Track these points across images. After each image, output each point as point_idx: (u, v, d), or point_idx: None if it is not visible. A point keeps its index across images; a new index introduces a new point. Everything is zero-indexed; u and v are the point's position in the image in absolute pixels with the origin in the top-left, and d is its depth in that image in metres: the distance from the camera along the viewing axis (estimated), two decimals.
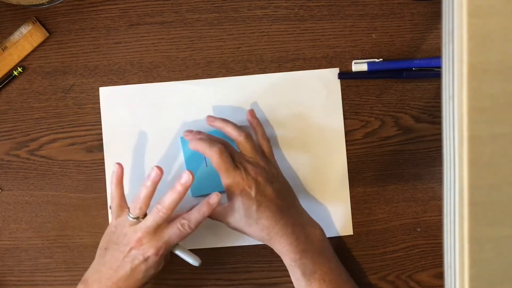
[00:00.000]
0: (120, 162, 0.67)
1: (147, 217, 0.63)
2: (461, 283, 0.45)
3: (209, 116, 0.70)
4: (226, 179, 0.64)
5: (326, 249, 0.64)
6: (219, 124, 0.68)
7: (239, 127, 0.67)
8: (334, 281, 0.63)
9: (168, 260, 0.68)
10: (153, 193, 0.64)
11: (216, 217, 0.65)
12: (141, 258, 0.62)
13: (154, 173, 0.63)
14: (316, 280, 0.63)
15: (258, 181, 0.63)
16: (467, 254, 0.45)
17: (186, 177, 0.62)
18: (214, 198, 0.63)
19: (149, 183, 0.63)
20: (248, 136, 0.66)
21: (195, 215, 0.63)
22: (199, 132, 0.68)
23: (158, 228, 0.63)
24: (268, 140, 0.69)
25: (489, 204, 0.45)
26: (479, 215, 0.45)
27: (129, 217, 0.64)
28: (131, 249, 0.62)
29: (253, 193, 0.63)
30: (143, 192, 0.64)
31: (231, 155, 0.65)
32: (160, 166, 0.63)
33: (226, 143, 0.66)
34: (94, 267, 0.65)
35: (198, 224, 0.63)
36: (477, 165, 0.44)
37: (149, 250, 0.62)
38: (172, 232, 0.63)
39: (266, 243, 0.65)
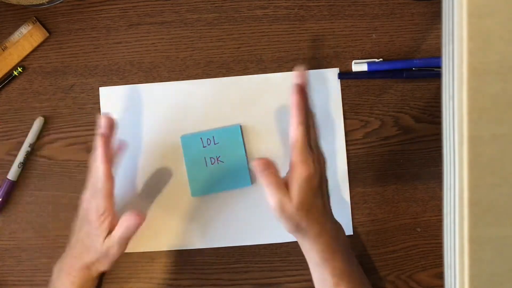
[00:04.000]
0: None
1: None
2: (461, 283, 0.45)
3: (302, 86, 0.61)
4: (296, 157, 0.59)
5: (350, 251, 0.63)
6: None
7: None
8: (359, 283, 0.61)
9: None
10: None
11: (272, 188, 0.59)
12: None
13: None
14: (345, 281, 0.60)
15: (321, 173, 0.61)
16: (467, 254, 0.45)
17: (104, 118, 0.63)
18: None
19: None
20: (317, 126, 0.63)
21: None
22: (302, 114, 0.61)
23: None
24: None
25: (489, 204, 0.45)
26: (479, 215, 0.45)
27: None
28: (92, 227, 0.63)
29: (316, 182, 0.59)
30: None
31: (309, 137, 0.61)
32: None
33: (315, 124, 0.62)
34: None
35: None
36: (477, 165, 0.45)
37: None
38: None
39: (297, 236, 0.61)
